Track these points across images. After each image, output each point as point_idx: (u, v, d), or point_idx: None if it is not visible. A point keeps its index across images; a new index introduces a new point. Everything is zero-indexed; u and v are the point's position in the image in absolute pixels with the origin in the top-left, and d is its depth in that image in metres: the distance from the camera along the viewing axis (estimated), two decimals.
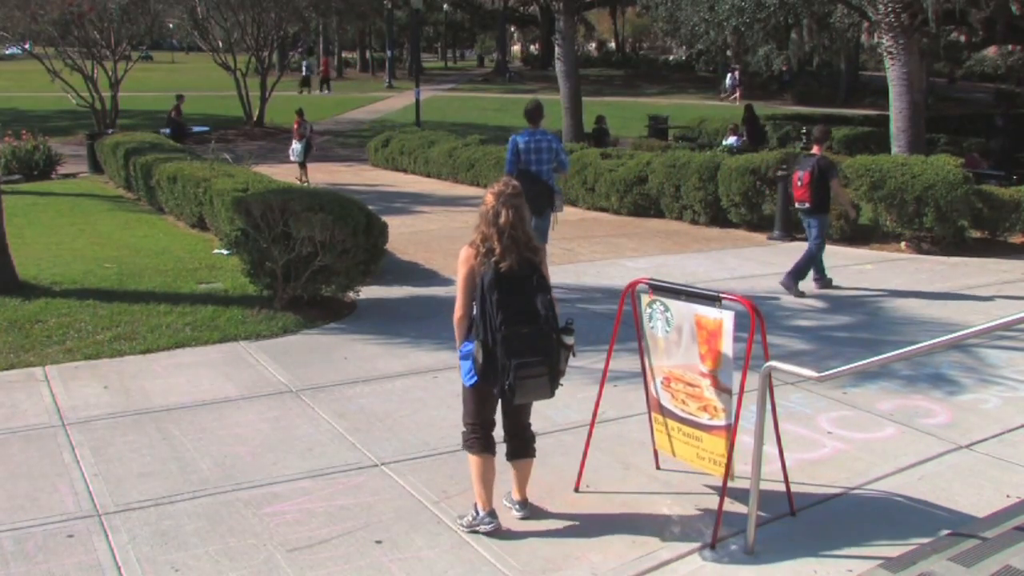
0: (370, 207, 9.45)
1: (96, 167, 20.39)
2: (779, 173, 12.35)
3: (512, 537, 4.45)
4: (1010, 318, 4.30)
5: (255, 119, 30.73)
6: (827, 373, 4.33)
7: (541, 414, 5.34)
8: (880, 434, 5.75)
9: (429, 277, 10.20)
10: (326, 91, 43.43)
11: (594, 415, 5.00)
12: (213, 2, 29.06)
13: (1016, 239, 12.03)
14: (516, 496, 4.66)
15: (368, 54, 61.93)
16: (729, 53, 34.07)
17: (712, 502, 4.60)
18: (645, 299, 4.71)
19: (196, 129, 24.94)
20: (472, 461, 4.45)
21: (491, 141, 20.23)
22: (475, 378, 4.29)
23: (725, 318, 4.31)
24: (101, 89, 22.53)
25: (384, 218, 9.41)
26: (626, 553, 4.30)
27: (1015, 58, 41.16)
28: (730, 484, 4.44)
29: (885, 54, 15.95)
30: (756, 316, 4.26)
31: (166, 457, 5.36)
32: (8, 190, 15.30)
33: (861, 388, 6.54)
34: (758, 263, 10.95)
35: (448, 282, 9.44)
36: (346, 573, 4.15)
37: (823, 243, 9.50)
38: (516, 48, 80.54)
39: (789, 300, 9.12)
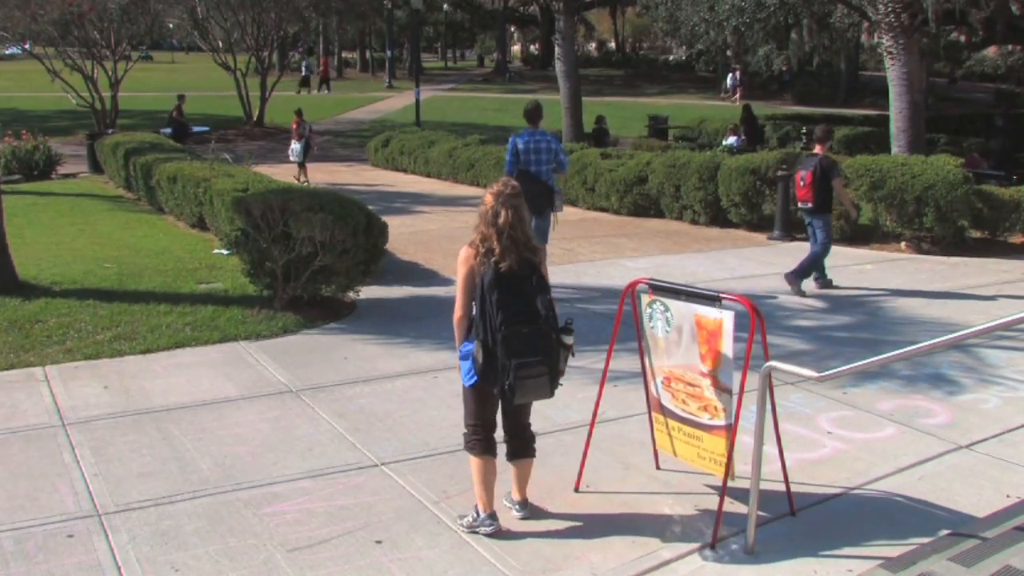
0: (370, 207, 9.45)
1: (96, 167, 20.39)
2: (779, 173, 12.35)
3: (512, 537, 4.45)
4: (1010, 318, 4.30)
5: (255, 119, 30.73)
6: (827, 373, 4.33)
7: (541, 414, 5.34)
8: (880, 434, 5.75)
9: (429, 277, 10.20)
10: (325, 91, 43.42)
11: (594, 415, 5.00)
12: (213, 2, 29.06)
13: (1016, 239, 12.03)
14: (516, 496, 4.66)
15: (368, 54, 61.93)
16: (729, 53, 34.06)
17: (712, 502, 4.60)
18: (645, 299, 4.71)
19: (196, 129, 24.94)
20: (473, 463, 4.45)
21: (491, 141, 20.23)
22: (475, 378, 4.30)
23: (725, 318, 4.31)
24: (101, 89, 22.52)
25: (384, 218, 9.42)
26: (626, 553, 4.30)
27: (1015, 58, 41.17)
28: (730, 484, 4.44)
29: (885, 54, 15.95)
30: (756, 316, 4.26)
31: (166, 457, 5.36)
32: (8, 190, 15.30)
33: (861, 388, 6.54)
34: (758, 263, 10.95)
35: (448, 282, 9.44)
36: (346, 573, 4.16)
37: (829, 244, 9.51)
38: (516, 48, 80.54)
39: (789, 300, 9.12)
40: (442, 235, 12.76)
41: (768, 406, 4.24)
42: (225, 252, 10.49)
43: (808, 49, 29.34)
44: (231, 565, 4.20)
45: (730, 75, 41.76)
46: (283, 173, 16.99)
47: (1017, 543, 4.07)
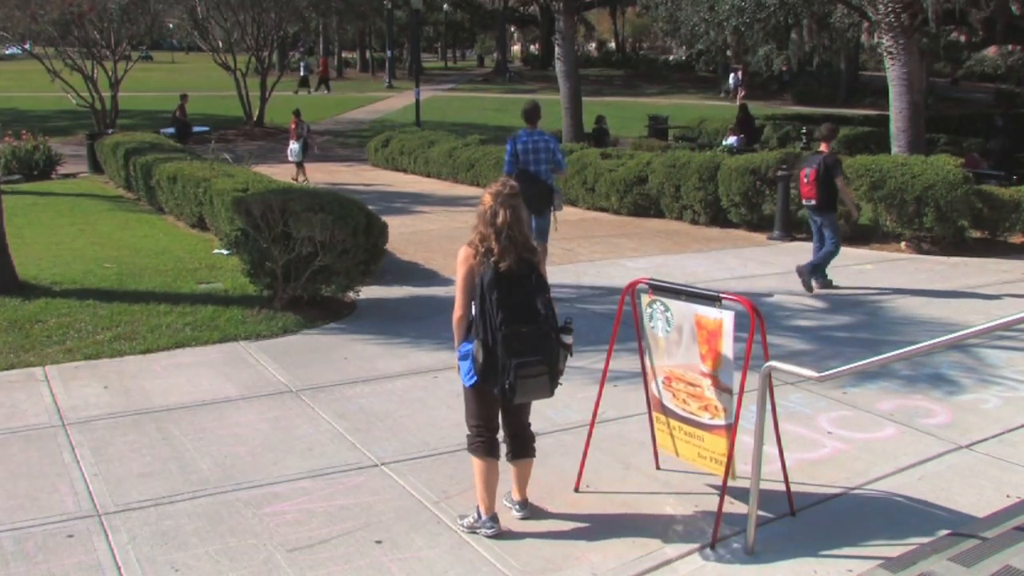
0: (370, 207, 9.45)
1: (96, 167, 20.39)
2: (779, 173, 12.34)
3: (512, 537, 4.45)
4: (1010, 318, 4.30)
5: (255, 119, 30.73)
6: (827, 373, 4.33)
7: (541, 414, 5.35)
8: (880, 434, 5.75)
9: (429, 277, 10.20)
10: (324, 91, 43.42)
11: (594, 415, 5.00)
12: (213, 2, 29.05)
13: (1016, 239, 12.03)
14: (516, 496, 4.66)
15: (368, 54, 61.93)
16: (729, 53, 34.06)
17: (712, 502, 4.60)
18: (645, 299, 4.71)
19: (196, 129, 24.97)
20: (476, 465, 4.44)
21: (491, 141, 20.23)
22: (475, 378, 4.29)
23: (725, 318, 4.31)
24: (101, 89, 22.53)
25: (384, 218, 9.42)
26: (626, 553, 4.30)
27: (1015, 58, 41.14)
28: (730, 484, 4.44)
29: (885, 54, 15.94)
30: (756, 316, 4.26)
31: (166, 457, 5.36)
32: (8, 190, 15.30)
33: (861, 388, 6.54)
34: (758, 263, 10.95)
35: (448, 282, 9.44)
36: (346, 573, 4.15)
37: (839, 241, 9.54)
38: (516, 48, 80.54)
39: (789, 300, 9.12)
40: (442, 235, 12.76)
41: (768, 406, 4.24)
42: (225, 252, 10.49)
43: (808, 49, 29.32)
44: (231, 565, 4.20)
45: (732, 75, 41.74)
46: (283, 173, 17.00)
47: (1017, 543, 4.07)
